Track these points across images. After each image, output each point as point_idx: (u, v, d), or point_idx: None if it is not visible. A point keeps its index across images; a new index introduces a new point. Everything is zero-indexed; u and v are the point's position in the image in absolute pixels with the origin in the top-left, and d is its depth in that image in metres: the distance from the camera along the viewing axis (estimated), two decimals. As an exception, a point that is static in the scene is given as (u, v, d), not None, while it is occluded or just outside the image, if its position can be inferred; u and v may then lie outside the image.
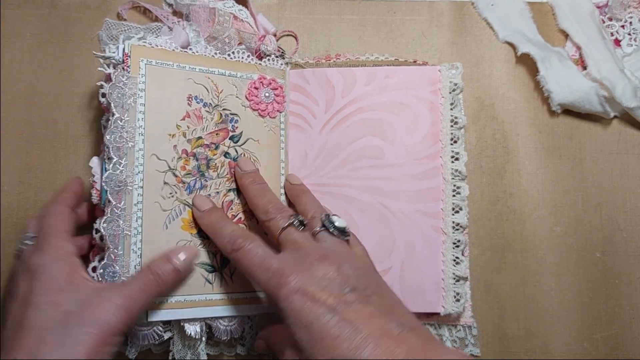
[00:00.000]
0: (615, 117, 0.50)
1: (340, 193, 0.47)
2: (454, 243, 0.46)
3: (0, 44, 0.50)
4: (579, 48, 0.51)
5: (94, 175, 0.43)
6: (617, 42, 0.51)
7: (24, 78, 0.50)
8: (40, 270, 0.37)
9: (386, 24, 0.52)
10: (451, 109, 0.48)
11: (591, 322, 0.48)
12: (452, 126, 0.47)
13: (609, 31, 0.51)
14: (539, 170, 0.50)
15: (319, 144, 0.48)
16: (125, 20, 0.50)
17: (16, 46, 0.50)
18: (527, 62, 0.51)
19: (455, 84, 0.48)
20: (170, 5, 0.50)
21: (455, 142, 0.47)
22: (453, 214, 0.46)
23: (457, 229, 0.46)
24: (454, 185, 0.47)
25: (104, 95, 0.43)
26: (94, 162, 0.44)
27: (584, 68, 0.50)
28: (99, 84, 0.43)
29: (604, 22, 0.51)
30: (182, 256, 0.40)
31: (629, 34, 0.51)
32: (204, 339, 0.44)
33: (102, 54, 0.43)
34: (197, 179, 0.44)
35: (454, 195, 0.47)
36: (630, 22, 0.51)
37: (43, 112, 0.49)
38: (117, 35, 0.49)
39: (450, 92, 0.48)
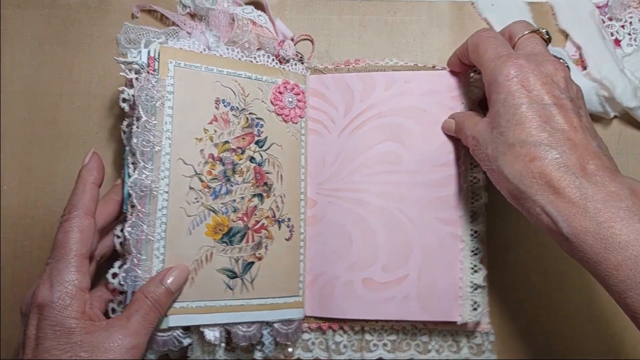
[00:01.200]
0: (615, 117, 0.50)
1: (356, 198, 0.46)
2: (472, 251, 0.45)
3: (0, 44, 0.50)
4: (579, 48, 0.51)
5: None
6: (617, 42, 0.51)
7: (24, 78, 0.50)
8: (49, 310, 0.36)
9: (386, 24, 0.52)
10: None
11: (591, 322, 0.48)
12: None
13: (609, 31, 0.51)
14: (539, 170, 0.50)
15: (337, 149, 0.47)
16: (136, 17, 0.50)
17: (16, 46, 0.50)
18: (527, 62, 0.50)
19: (473, 91, 0.47)
20: (186, 7, 0.50)
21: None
22: (471, 221, 0.46)
23: (475, 237, 0.46)
24: (472, 192, 0.46)
25: (124, 100, 0.43)
26: None
27: (584, 68, 0.50)
28: (120, 89, 0.43)
29: (604, 22, 0.51)
30: (171, 278, 0.40)
31: (629, 34, 0.51)
32: (222, 344, 0.43)
33: (124, 59, 0.43)
34: (223, 184, 0.43)
35: (472, 203, 0.46)
36: (630, 22, 0.51)
37: (43, 112, 0.49)
38: (135, 39, 0.49)
39: (472, 98, 0.47)
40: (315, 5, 0.52)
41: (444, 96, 0.46)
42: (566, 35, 0.51)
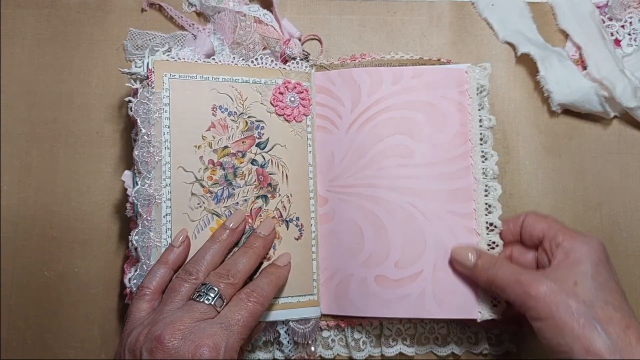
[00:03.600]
0: (615, 117, 0.50)
1: (367, 193, 0.46)
2: (488, 244, 0.44)
3: (0, 44, 0.50)
4: (579, 48, 0.51)
5: (126, 189, 0.44)
6: (617, 42, 0.51)
7: (24, 78, 0.50)
8: None
9: (386, 24, 0.52)
10: (479, 110, 0.46)
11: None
12: (480, 126, 0.46)
13: (609, 31, 0.51)
14: (539, 170, 0.50)
15: (346, 145, 0.47)
16: (145, 11, 0.51)
17: (16, 46, 0.50)
18: (527, 62, 0.51)
19: (482, 86, 0.47)
20: (192, 5, 0.51)
21: (484, 142, 0.46)
22: (486, 214, 0.45)
23: (491, 230, 0.45)
24: (486, 185, 0.45)
25: (132, 109, 0.43)
26: (126, 175, 0.45)
27: (584, 68, 0.50)
28: (127, 99, 0.44)
29: (604, 22, 0.51)
30: None
31: (629, 34, 0.51)
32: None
33: (129, 70, 0.44)
34: (225, 187, 0.44)
35: (485, 195, 0.45)
36: (630, 22, 0.51)
37: (43, 112, 0.49)
38: (142, 44, 0.49)
39: (477, 94, 0.47)
40: (315, 5, 0.52)
41: (452, 91, 0.47)
42: (566, 35, 0.51)
